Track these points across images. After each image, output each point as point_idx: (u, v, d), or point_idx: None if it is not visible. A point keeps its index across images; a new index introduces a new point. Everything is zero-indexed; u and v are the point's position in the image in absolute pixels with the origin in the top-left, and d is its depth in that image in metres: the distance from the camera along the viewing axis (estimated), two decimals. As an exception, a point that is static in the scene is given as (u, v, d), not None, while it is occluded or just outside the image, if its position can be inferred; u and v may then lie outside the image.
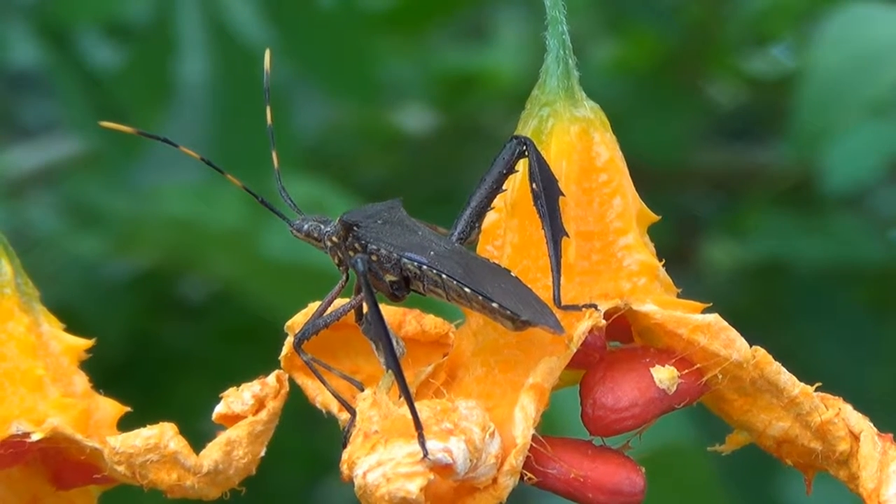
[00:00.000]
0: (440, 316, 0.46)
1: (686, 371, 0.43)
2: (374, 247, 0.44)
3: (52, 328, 0.48)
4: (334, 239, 0.46)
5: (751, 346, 0.44)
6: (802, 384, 0.44)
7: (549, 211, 0.44)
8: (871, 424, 0.45)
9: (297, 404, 0.47)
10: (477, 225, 0.45)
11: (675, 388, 0.43)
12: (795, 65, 1.42)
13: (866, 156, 1.18)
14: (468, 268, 0.43)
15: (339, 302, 0.45)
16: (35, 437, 0.44)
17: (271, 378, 0.46)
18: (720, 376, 0.44)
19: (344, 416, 0.46)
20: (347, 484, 0.41)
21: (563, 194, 0.44)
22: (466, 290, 0.42)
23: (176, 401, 1.22)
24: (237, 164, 1.07)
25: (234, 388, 0.46)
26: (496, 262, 0.45)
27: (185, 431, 0.45)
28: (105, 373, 0.49)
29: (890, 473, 0.43)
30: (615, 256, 0.45)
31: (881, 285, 1.39)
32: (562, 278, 0.43)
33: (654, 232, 0.47)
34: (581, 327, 0.43)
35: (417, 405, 0.41)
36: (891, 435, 0.45)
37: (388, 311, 0.46)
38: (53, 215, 1.28)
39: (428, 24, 1.47)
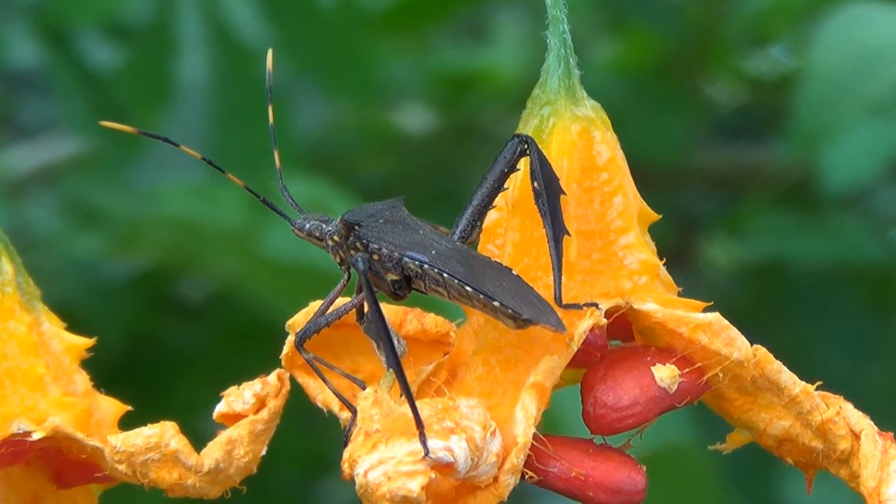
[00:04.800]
0: (441, 315, 0.46)
1: (687, 370, 0.43)
2: (376, 246, 0.44)
3: (53, 327, 0.47)
4: (336, 238, 0.46)
5: (751, 345, 0.44)
6: (803, 383, 0.44)
7: (550, 209, 0.44)
8: (872, 423, 0.45)
9: (297, 403, 0.47)
10: (478, 224, 0.45)
11: (676, 386, 0.43)
12: (795, 65, 1.42)
13: (866, 156, 1.18)
14: (470, 266, 0.43)
15: (341, 301, 0.45)
16: (36, 435, 0.44)
17: (272, 377, 0.46)
18: (721, 375, 0.44)
19: (345, 414, 0.46)
20: (348, 483, 0.41)
21: (564, 193, 0.44)
22: (468, 288, 0.42)
23: (176, 400, 1.22)
24: (237, 163, 1.07)
25: (236, 386, 0.46)
26: (497, 260, 0.45)
27: (185, 430, 0.45)
28: (106, 372, 0.49)
29: (891, 472, 0.43)
30: (616, 255, 0.45)
31: (881, 285, 1.39)
32: (563, 277, 0.43)
33: (653, 232, 0.47)
34: (582, 326, 0.43)
35: (418, 404, 0.41)
36: (891, 434, 0.45)
37: (389, 310, 0.46)
38: (53, 215, 1.28)
39: (427, 23, 1.47)
